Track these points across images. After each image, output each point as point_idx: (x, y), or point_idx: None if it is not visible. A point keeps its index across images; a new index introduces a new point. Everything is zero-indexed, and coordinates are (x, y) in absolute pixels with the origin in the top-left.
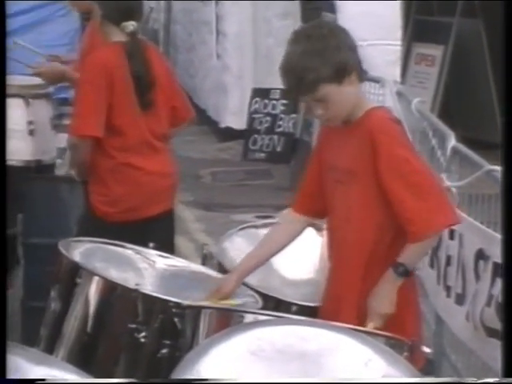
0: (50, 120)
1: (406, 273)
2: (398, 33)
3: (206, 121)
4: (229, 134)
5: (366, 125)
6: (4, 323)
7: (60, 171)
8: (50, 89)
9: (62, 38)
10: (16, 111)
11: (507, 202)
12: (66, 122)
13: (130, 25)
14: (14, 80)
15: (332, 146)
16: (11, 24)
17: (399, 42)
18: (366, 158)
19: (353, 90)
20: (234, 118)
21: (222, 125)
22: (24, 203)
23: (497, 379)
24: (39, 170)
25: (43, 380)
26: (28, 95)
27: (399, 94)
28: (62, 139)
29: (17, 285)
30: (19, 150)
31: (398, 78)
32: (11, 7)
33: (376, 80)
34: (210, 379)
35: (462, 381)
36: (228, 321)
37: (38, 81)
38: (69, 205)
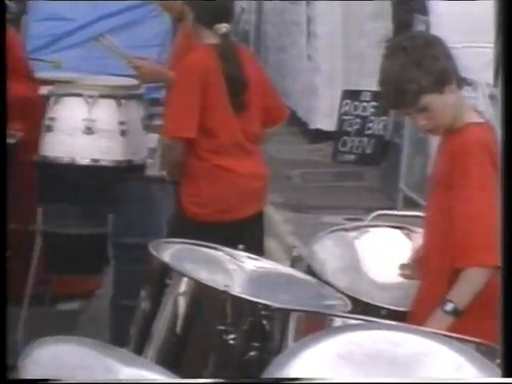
0: (141, 120)
1: (455, 312)
2: (492, 35)
3: (295, 122)
4: (319, 136)
5: (456, 140)
6: (4, 323)
7: (151, 171)
8: (142, 89)
9: (153, 39)
10: (108, 112)
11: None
12: (157, 122)
13: (223, 26)
14: (105, 81)
15: (436, 152)
16: (107, 24)
17: (493, 45)
18: (447, 172)
19: (454, 98)
20: (324, 119)
21: (312, 126)
22: (115, 203)
23: None
24: (130, 170)
25: (45, 380)
26: (120, 96)
27: (492, 97)
28: (153, 139)
29: (106, 284)
30: (110, 151)
31: (491, 81)
32: (110, 6)
33: (468, 83)
34: (301, 378)
35: None
36: (317, 324)
37: (129, 81)
38: (159, 205)
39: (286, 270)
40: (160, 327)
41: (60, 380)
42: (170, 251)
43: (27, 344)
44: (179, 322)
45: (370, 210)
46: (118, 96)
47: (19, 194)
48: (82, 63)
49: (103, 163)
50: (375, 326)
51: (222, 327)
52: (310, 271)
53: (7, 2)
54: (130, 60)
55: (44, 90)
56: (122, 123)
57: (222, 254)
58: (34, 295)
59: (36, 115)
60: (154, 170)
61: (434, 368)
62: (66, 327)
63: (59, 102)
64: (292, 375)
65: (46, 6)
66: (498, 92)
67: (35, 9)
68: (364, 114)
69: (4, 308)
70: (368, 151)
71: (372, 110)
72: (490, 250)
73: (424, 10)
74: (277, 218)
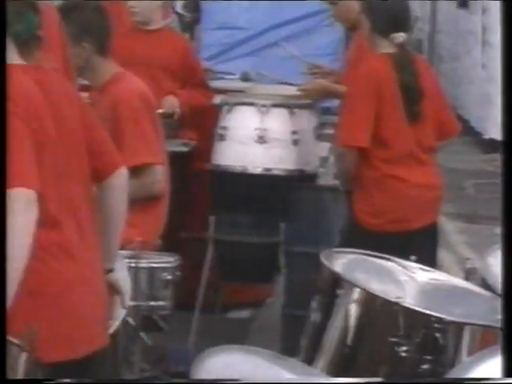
0: (314, 129)
1: None
2: None
3: (469, 131)
4: (493, 146)
5: None
6: (4, 323)
7: (323, 180)
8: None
9: (326, 48)
10: (280, 121)
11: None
12: (329, 131)
13: (399, 36)
14: (278, 90)
15: None
16: (280, 33)
17: None
18: None
19: None
20: (499, 129)
21: (486, 136)
22: (287, 212)
23: None
24: (302, 179)
25: (51, 380)
26: (292, 105)
27: None
28: (324, 148)
29: (277, 293)
30: (282, 160)
31: None
32: (283, 15)
33: None
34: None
35: None
36: (492, 338)
37: None
38: (332, 214)
39: (460, 282)
40: (331, 338)
41: (67, 380)
42: (341, 261)
43: (198, 351)
44: (350, 333)
45: None
46: (291, 105)
47: (192, 203)
48: (256, 72)
49: (275, 172)
50: None
51: (394, 339)
52: (485, 284)
53: (180, 10)
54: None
55: (217, 99)
56: (294, 132)
57: (393, 264)
58: (205, 303)
59: (209, 124)
60: (325, 179)
61: None
62: (237, 335)
63: (232, 111)
64: None
65: (220, 15)
66: None
67: (209, 18)
68: None
69: (4, 307)
70: None
71: None
72: None
73: None
74: (449, 228)
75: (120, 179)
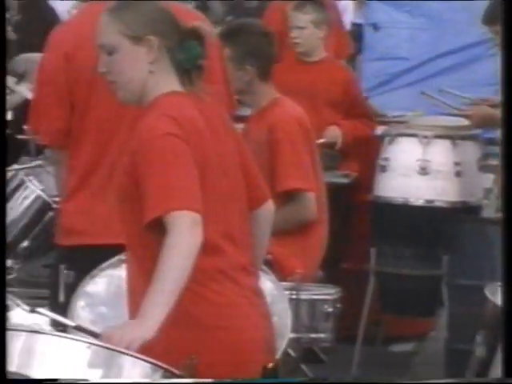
0: (477, 161)
1: None
2: None
3: None
4: None
5: None
6: (3, 323)
7: (487, 213)
8: (478, 129)
9: (490, 78)
10: (443, 152)
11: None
12: (493, 162)
13: None
14: (440, 121)
15: None
16: (443, 62)
17: None
18: None
19: None
20: None
21: None
22: (450, 244)
23: None
24: (466, 211)
25: (55, 380)
26: (455, 136)
27: None
28: (488, 179)
29: (440, 326)
30: (445, 192)
31: None
32: (446, 45)
33: None
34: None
35: None
36: None
37: (465, 122)
38: (496, 247)
39: None
40: (497, 373)
41: (69, 380)
42: None
43: None
44: None
45: None
46: (454, 136)
47: (353, 234)
48: (417, 103)
49: (437, 204)
50: None
51: None
52: None
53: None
54: (459, 111)
55: (379, 130)
56: (457, 164)
57: None
58: (367, 335)
59: (370, 155)
60: (490, 211)
61: None
62: (399, 369)
63: (394, 142)
64: None
65: (380, 46)
66: None
67: (369, 48)
68: None
69: (4, 307)
70: None
71: None
72: None
73: None
74: None
75: (266, 213)
